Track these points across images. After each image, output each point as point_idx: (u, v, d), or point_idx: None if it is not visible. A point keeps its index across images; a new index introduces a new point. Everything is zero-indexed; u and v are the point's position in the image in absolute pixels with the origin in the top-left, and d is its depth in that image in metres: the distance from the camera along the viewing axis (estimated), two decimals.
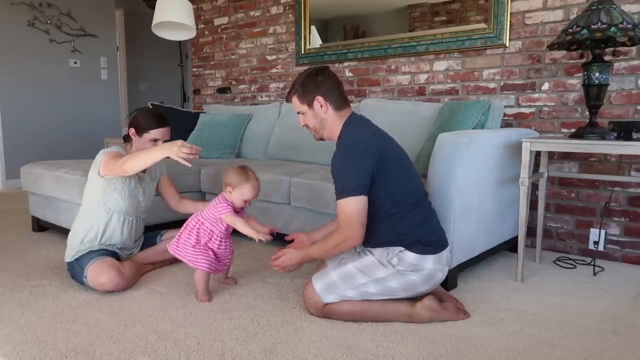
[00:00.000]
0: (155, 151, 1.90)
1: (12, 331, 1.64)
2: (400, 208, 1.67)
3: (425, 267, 1.68)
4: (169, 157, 1.89)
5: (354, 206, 1.61)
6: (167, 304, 1.88)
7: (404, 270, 1.67)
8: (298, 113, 1.83)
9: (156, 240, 2.34)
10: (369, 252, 1.74)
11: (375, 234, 1.71)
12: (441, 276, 1.73)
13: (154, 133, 2.11)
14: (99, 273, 1.97)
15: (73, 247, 2.10)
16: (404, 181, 1.69)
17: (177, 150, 1.83)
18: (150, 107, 3.69)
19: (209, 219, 1.94)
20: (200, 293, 1.93)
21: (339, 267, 1.73)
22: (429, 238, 1.69)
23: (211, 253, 1.95)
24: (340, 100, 1.77)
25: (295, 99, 1.80)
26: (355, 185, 1.61)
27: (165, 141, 2.14)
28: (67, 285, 2.08)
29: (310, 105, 1.77)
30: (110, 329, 1.66)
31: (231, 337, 1.61)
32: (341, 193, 1.63)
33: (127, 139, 2.20)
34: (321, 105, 1.75)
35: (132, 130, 2.13)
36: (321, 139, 1.84)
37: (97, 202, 2.10)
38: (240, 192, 1.91)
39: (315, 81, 1.75)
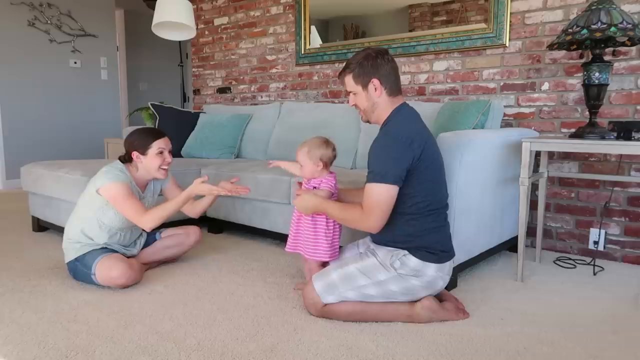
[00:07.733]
0: (183, 196, 2.07)
1: (12, 331, 1.64)
2: (417, 210, 1.66)
3: (427, 273, 1.68)
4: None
5: (383, 194, 1.59)
6: (167, 304, 1.88)
7: (405, 274, 1.67)
8: (349, 92, 1.76)
9: (155, 237, 2.34)
10: (371, 253, 1.74)
11: (385, 227, 1.69)
12: (442, 284, 1.73)
13: (157, 144, 2.10)
14: (110, 268, 1.98)
15: (71, 248, 2.10)
16: (430, 187, 1.67)
17: (209, 189, 2.06)
18: (150, 106, 3.69)
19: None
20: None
21: (340, 267, 1.73)
22: (435, 247, 1.69)
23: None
24: (395, 86, 1.72)
25: (349, 79, 1.73)
26: (391, 174, 1.58)
27: (169, 151, 2.14)
28: (67, 285, 2.08)
29: (364, 87, 1.70)
30: (110, 329, 1.66)
31: (231, 337, 1.61)
32: (375, 177, 1.60)
33: (125, 159, 2.15)
34: (375, 89, 1.69)
35: (135, 153, 2.10)
36: (368, 121, 1.78)
37: (91, 215, 2.08)
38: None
39: (374, 64, 1.68)
